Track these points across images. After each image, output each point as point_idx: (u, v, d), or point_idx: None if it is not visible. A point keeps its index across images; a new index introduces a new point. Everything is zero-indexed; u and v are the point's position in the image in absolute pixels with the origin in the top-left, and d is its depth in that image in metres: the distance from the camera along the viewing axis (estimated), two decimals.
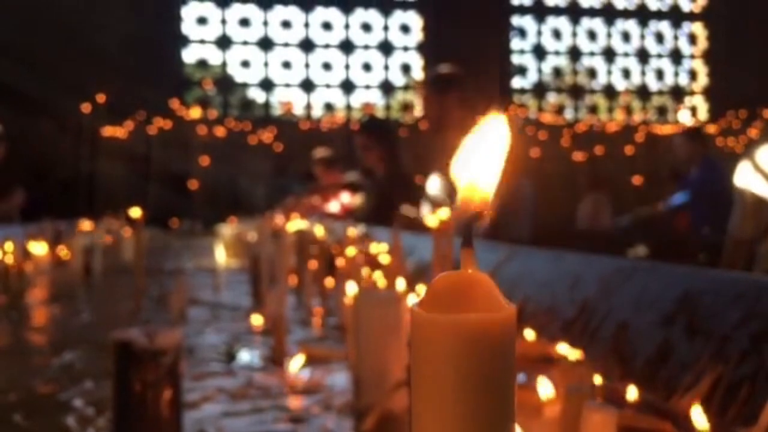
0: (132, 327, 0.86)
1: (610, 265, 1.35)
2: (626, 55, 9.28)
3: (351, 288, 1.25)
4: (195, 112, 7.87)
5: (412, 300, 1.06)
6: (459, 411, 0.29)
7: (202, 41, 8.15)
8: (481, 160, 0.32)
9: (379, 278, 1.48)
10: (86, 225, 3.51)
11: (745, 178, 2.98)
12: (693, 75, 9.47)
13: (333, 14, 8.45)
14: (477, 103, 3.40)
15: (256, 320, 1.70)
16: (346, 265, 1.89)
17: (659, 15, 9.36)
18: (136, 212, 2.01)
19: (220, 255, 2.50)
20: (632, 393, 0.84)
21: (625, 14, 9.25)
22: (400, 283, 1.20)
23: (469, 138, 0.33)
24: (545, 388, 0.91)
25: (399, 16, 8.59)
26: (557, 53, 9.10)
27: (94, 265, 2.75)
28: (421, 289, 1.22)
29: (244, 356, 1.42)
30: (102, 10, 7.07)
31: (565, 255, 1.58)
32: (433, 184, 3.21)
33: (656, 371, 1.00)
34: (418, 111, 8.56)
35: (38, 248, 2.70)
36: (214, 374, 1.28)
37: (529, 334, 1.21)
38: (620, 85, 9.29)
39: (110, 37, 7.03)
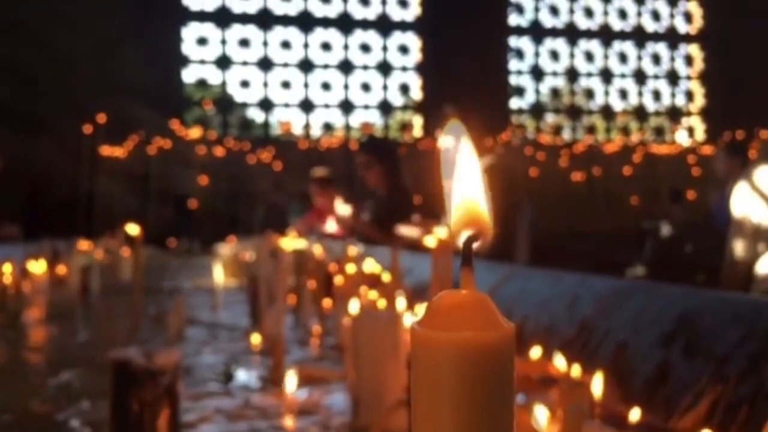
0: (130, 346, 0.86)
1: (608, 285, 1.35)
2: (623, 76, 9.34)
3: (350, 308, 1.25)
4: (194, 132, 7.90)
5: (410, 320, 1.06)
6: (458, 429, 0.29)
7: (202, 61, 8.20)
8: (478, 181, 0.33)
9: (377, 298, 1.48)
10: (84, 244, 3.51)
11: (743, 198, 2.99)
12: (690, 96, 9.53)
13: (332, 35, 8.51)
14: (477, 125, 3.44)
15: (254, 340, 1.69)
16: (344, 285, 1.89)
17: (656, 37, 9.44)
18: (134, 230, 2.01)
19: (219, 274, 2.49)
20: (632, 413, 0.83)
21: (622, 36, 9.33)
22: (400, 304, 1.20)
23: (469, 160, 0.33)
24: (541, 413, 0.90)
25: (398, 37, 8.65)
26: (555, 74, 9.16)
27: (91, 284, 2.75)
28: (420, 308, 1.22)
29: (242, 376, 1.42)
30: (102, 31, 7.12)
31: (563, 275, 1.58)
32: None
33: (655, 391, 0.99)
34: (417, 131, 8.60)
35: (36, 267, 2.69)
36: (212, 394, 1.28)
37: (533, 352, 1.21)
38: (618, 105, 9.35)
39: (111, 58, 7.08)
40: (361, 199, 4.43)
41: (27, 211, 5.34)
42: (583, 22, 9.23)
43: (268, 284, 1.85)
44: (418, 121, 8.69)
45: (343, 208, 4.21)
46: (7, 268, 2.39)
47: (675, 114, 9.54)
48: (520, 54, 9.01)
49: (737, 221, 2.97)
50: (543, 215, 6.37)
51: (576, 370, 0.99)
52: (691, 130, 9.55)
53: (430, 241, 1.12)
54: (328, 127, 8.49)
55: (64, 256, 3.18)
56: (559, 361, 1.04)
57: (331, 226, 4.56)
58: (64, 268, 3.05)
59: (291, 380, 1.25)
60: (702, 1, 9.45)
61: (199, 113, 8.28)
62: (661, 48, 9.47)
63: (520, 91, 9.04)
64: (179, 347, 1.65)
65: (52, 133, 6.86)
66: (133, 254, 2.39)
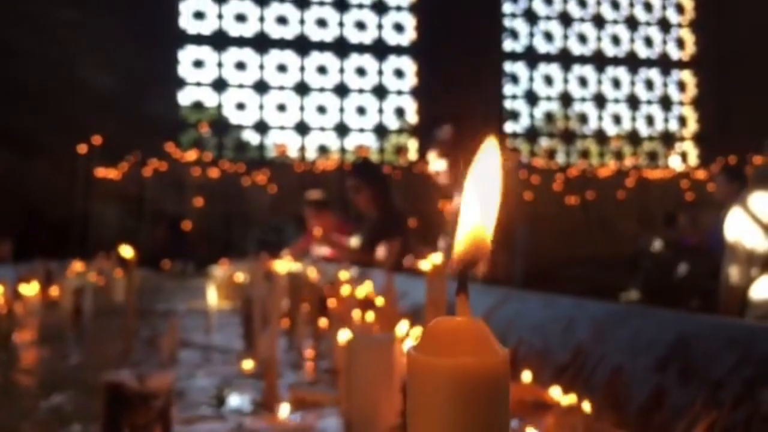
0: (122, 369, 0.85)
1: (603, 309, 1.35)
2: (617, 101, 9.41)
3: (344, 332, 1.25)
4: (190, 155, 7.90)
5: (405, 344, 1.06)
6: None
7: (198, 84, 8.23)
8: (479, 204, 0.33)
9: (371, 321, 1.48)
10: (78, 266, 3.49)
11: (737, 223, 3.00)
12: (683, 121, 9.60)
13: (328, 58, 8.56)
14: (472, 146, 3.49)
15: (247, 364, 1.68)
16: (338, 308, 1.88)
17: (649, 63, 9.53)
18: (128, 252, 2.00)
19: (212, 297, 2.48)
20: None
21: (616, 62, 9.41)
22: (399, 328, 1.20)
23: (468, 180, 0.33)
24: None
25: (393, 61, 8.72)
26: (549, 99, 9.23)
27: (84, 306, 2.73)
28: (415, 332, 1.21)
29: (235, 400, 1.41)
30: (99, 52, 7.15)
31: (558, 298, 1.58)
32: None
33: (650, 417, 0.99)
34: (412, 154, 8.63)
35: (28, 289, 2.67)
36: (205, 418, 1.27)
37: (525, 376, 1.20)
38: (611, 130, 9.41)
39: (107, 79, 7.10)
40: (355, 221, 4.44)
41: (20, 231, 5.31)
42: (576, 48, 9.32)
43: (262, 307, 1.84)
44: (413, 145, 8.72)
45: (318, 230, 4.24)
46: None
47: (668, 139, 9.60)
48: (514, 79, 9.09)
49: (731, 246, 2.98)
50: (537, 238, 6.37)
51: (571, 396, 0.99)
52: (684, 155, 9.61)
53: (425, 265, 1.12)
54: (323, 150, 8.51)
55: (57, 278, 3.17)
56: (555, 392, 1.04)
57: (323, 249, 4.56)
58: (56, 289, 3.03)
59: (284, 404, 1.24)
60: (694, 28, 9.57)
61: (194, 135, 8.29)
62: (654, 74, 9.56)
63: (514, 116, 9.10)
64: (172, 370, 1.64)
65: (47, 154, 6.85)
66: (126, 276, 2.39)
